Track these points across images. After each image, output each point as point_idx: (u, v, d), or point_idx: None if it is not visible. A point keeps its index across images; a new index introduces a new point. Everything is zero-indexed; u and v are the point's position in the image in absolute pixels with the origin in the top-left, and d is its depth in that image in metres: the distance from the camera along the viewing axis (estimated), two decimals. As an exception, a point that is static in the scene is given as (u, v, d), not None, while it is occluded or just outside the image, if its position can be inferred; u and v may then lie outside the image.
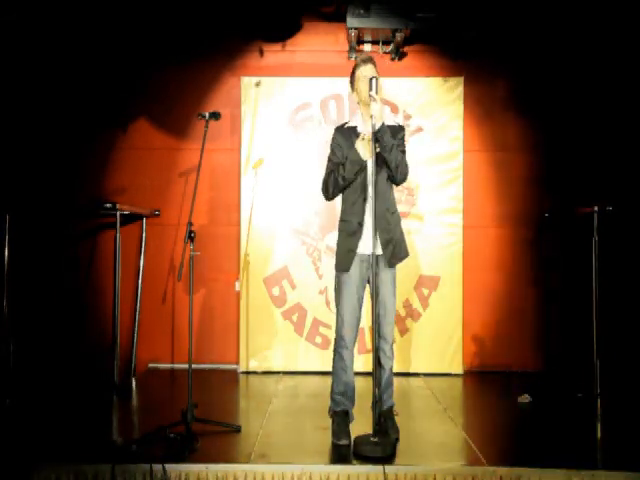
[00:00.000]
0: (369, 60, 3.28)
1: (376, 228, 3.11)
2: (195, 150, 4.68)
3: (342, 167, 3.20)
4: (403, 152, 3.24)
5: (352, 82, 3.32)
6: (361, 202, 3.22)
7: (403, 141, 3.29)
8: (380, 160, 3.15)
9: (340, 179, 3.21)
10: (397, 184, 3.29)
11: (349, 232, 3.25)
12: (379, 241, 3.19)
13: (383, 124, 3.15)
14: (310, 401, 4.12)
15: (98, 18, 4.85)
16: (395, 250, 3.26)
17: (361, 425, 3.24)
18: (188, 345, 3.42)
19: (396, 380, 3.42)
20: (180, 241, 4.92)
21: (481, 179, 5.11)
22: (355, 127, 3.30)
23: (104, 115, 5.06)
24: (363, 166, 3.17)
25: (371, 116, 3.06)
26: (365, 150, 3.13)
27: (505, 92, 5.10)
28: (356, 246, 3.22)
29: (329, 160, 3.32)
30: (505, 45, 5.04)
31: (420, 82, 5.03)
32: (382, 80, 3.35)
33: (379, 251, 3.20)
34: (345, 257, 3.24)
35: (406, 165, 3.23)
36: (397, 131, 3.28)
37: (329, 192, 3.29)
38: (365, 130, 3.20)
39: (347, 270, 3.24)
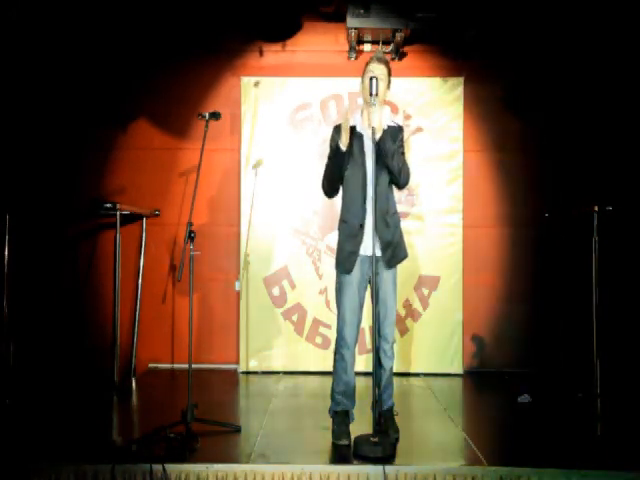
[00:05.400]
0: (381, 60, 3.24)
1: (376, 230, 3.12)
2: (195, 150, 4.68)
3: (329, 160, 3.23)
4: (402, 154, 3.24)
5: (362, 77, 3.26)
6: (361, 203, 3.21)
7: (402, 143, 3.28)
8: (380, 162, 3.15)
9: (329, 171, 3.23)
10: (400, 188, 3.30)
11: (350, 233, 3.24)
12: (378, 243, 3.18)
13: (383, 130, 3.14)
14: (310, 401, 4.12)
15: (98, 18, 4.85)
16: (395, 252, 3.25)
17: (361, 425, 3.24)
18: (188, 345, 3.42)
19: (396, 380, 3.42)
20: (180, 241, 4.92)
21: (481, 179, 5.11)
22: (354, 127, 3.28)
23: (104, 115, 5.05)
24: (341, 153, 3.15)
25: (371, 117, 3.07)
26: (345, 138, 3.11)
27: (505, 92, 5.09)
28: (358, 248, 3.21)
29: (328, 158, 3.31)
30: (505, 45, 5.03)
31: (420, 82, 5.03)
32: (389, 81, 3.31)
33: (379, 252, 3.20)
34: (347, 259, 3.23)
35: (408, 168, 3.24)
36: (396, 133, 3.27)
37: (325, 188, 3.31)
38: (363, 130, 3.22)
39: (349, 272, 3.23)
